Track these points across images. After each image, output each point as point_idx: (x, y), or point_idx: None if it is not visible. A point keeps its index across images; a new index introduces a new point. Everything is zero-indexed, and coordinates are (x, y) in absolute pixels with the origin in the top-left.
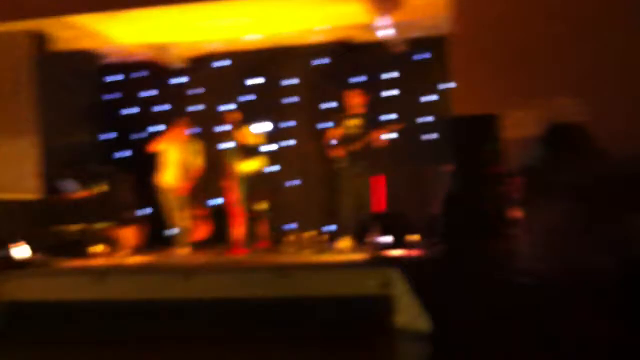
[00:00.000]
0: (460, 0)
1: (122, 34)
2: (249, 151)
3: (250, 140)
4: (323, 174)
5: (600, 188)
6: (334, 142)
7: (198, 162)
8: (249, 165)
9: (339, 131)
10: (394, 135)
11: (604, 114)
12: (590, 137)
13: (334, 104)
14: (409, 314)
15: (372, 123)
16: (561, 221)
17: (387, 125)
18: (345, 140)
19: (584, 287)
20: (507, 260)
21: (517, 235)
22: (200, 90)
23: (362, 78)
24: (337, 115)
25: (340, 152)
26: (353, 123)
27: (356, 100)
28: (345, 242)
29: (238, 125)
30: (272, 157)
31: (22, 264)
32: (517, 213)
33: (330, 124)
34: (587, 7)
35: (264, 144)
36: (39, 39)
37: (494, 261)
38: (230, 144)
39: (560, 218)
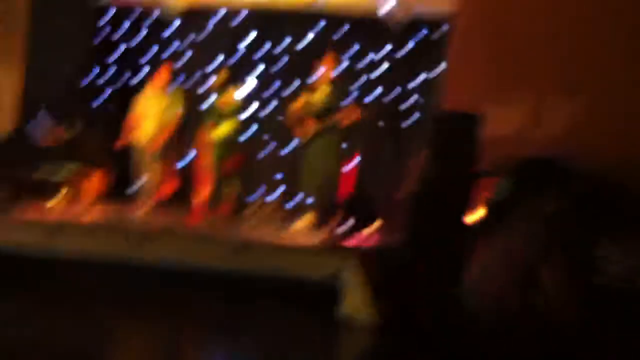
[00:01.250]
0: None
1: None
2: (226, 115)
3: (229, 104)
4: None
5: (566, 216)
6: (297, 114)
7: (176, 112)
8: (222, 130)
9: (301, 102)
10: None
11: (595, 116)
12: (569, 170)
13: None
14: (357, 303)
15: (345, 96)
16: (523, 244)
17: (361, 106)
18: (310, 113)
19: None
20: (460, 271)
21: (475, 253)
22: (190, 44)
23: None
24: (304, 85)
25: (304, 126)
26: (320, 94)
27: (327, 67)
28: (304, 222)
29: (222, 86)
30: (248, 123)
31: None
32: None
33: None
34: (587, 6)
35: (241, 109)
36: None
37: (450, 266)
38: (209, 106)
39: (522, 243)
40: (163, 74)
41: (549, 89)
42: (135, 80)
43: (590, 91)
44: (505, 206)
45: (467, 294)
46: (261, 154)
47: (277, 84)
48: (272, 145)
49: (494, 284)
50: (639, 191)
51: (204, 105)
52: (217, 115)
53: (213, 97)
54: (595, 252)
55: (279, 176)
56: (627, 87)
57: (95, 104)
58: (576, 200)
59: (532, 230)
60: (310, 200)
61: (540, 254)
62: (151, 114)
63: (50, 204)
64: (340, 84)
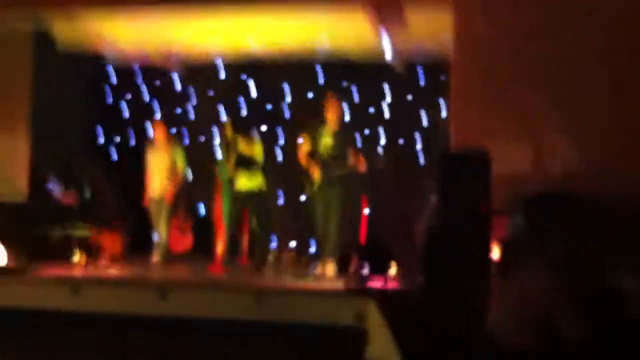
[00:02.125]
0: (460, 34)
1: (124, 36)
2: (245, 165)
3: (254, 157)
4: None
5: (584, 256)
6: (303, 160)
7: (180, 166)
8: (246, 183)
9: (307, 146)
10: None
11: (598, 154)
12: (576, 207)
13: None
14: (382, 348)
15: (350, 143)
16: (537, 293)
17: (369, 156)
18: (316, 158)
19: None
20: (480, 315)
21: (493, 296)
22: (197, 96)
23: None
24: (310, 128)
25: (312, 172)
26: (326, 141)
27: (331, 111)
28: (324, 268)
29: (233, 137)
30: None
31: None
32: (495, 278)
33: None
34: (587, 45)
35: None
36: (43, 39)
37: (469, 310)
38: (223, 156)
39: (536, 290)
40: (159, 131)
41: (549, 129)
42: (141, 138)
43: (589, 130)
44: (519, 246)
45: (485, 342)
46: (278, 203)
47: (283, 133)
48: (287, 193)
49: (509, 334)
50: None
51: (219, 155)
52: (236, 165)
53: (227, 146)
54: (615, 288)
55: (295, 225)
56: (625, 126)
57: (103, 165)
58: (588, 237)
59: (545, 277)
60: (321, 247)
61: (556, 300)
62: (157, 170)
63: (70, 262)
64: (345, 131)
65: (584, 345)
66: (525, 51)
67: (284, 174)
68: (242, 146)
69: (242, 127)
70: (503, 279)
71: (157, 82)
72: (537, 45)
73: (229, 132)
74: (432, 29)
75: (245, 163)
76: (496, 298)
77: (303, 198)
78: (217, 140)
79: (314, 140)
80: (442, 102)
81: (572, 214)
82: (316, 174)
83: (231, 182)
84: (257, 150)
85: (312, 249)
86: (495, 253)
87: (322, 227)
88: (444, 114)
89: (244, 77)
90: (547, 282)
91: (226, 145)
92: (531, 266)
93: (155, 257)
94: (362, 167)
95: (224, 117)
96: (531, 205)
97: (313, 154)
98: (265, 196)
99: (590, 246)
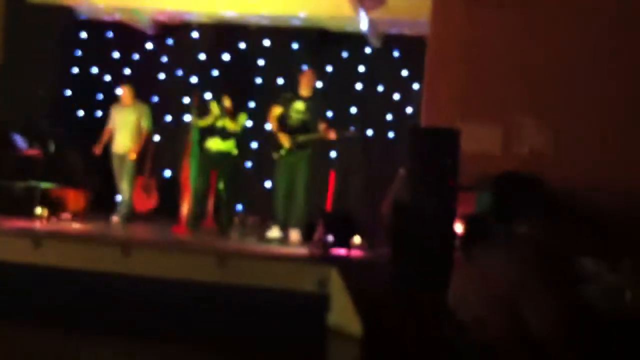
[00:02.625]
0: (437, 15)
1: None
2: (214, 130)
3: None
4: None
5: (548, 237)
6: (273, 124)
7: (145, 125)
8: (218, 144)
9: (277, 111)
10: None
11: (567, 141)
12: (544, 189)
13: None
14: (343, 315)
15: (321, 113)
16: (501, 272)
17: (340, 129)
18: (285, 124)
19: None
20: (443, 287)
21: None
22: (167, 58)
23: (329, 68)
24: (283, 93)
25: (281, 137)
26: (297, 107)
27: (305, 81)
28: (273, 232)
29: (202, 102)
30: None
31: None
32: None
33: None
34: (557, 32)
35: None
36: None
37: (433, 282)
38: (193, 121)
39: (500, 269)
40: (126, 89)
41: (518, 113)
42: (109, 95)
43: (558, 116)
44: (484, 223)
45: (447, 318)
46: (247, 165)
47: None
48: (256, 158)
49: (471, 311)
50: (607, 213)
51: (188, 118)
52: (206, 130)
53: (196, 110)
54: (577, 273)
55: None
56: (593, 113)
57: (70, 121)
58: (551, 220)
59: (509, 256)
60: (275, 212)
61: (519, 281)
62: (122, 127)
63: (33, 215)
64: (317, 100)
65: (553, 336)
66: (500, 36)
67: (255, 139)
68: (219, 116)
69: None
70: (466, 255)
71: (128, 40)
72: (511, 31)
73: (198, 99)
74: (410, 8)
75: (220, 130)
76: (458, 273)
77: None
78: (187, 102)
79: (285, 106)
80: (415, 80)
81: (540, 194)
82: (284, 139)
83: (200, 144)
84: (241, 120)
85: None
86: (459, 228)
87: (282, 192)
88: (416, 86)
89: (216, 39)
90: (511, 265)
91: (197, 109)
92: (496, 244)
93: (115, 217)
94: (331, 135)
95: (195, 80)
96: (499, 183)
97: (283, 119)
98: (235, 159)
99: (557, 228)
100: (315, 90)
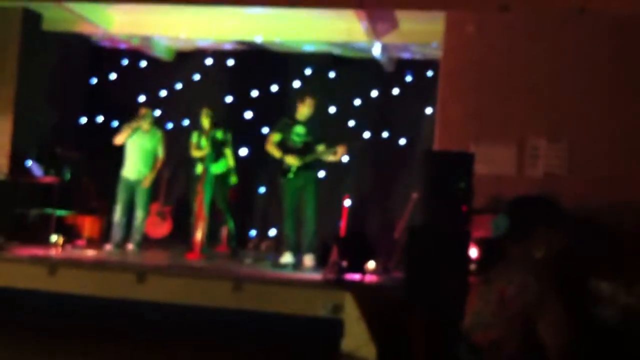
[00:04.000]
0: (449, 39)
1: (115, 22)
2: (220, 153)
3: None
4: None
5: (564, 258)
6: (273, 150)
7: (159, 152)
8: (217, 167)
9: (276, 137)
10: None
11: (580, 160)
12: (560, 210)
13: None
14: (357, 340)
15: (321, 134)
16: (517, 293)
17: (347, 143)
18: (287, 148)
19: None
20: (458, 311)
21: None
22: (183, 85)
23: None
24: (281, 120)
25: (287, 159)
26: (297, 130)
27: (305, 109)
28: (286, 258)
29: (212, 127)
30: (244, 162)
31: None
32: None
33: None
34: (566, 54)
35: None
36: (33, 18)
37: (448, 306)
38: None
39: (517, 290)
40: (141, 114)
41: (532, 133)
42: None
43: (571, 134)
44: (500, 246)
45: (462, 341)
46: (260, 191)
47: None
48: (268, 182)
49: (487, 333)
50: (622, 233)
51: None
52: (212, 153)
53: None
54: (590, 295)
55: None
56: (607, 129)
57: (85, 147)
58: (568, 242)
59: (526, 278)
60: (285, 237)
61: (535, 304)
62: (138, 153)
63: (48, 243)
64: (316, 123)
65: (568, 357)
66: (512, 58)
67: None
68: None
69: (222, 116)
70: (483, 277)
71: (142, 65)
72: (523, 52)
73: (207, 120)
74: (422, 32)
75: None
76: (474, 296)
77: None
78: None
79: (285, 132)
80: (428, 104)
81: (556, 216)
82: (292, 159)
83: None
84: (228, 138)
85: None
86: (474, 252)
87: (290, 215)
88: (429, 111)
89: (230, 65)
90: (528, 287)
91: (205, 133)
92: (513, 266)
93: (130, 245)
94: (340, 152)
95: (206, 104)
96: (515, 205)
97: (283, 144)
98: (228, 178)
99: (573, 250)
100: (317, 115)
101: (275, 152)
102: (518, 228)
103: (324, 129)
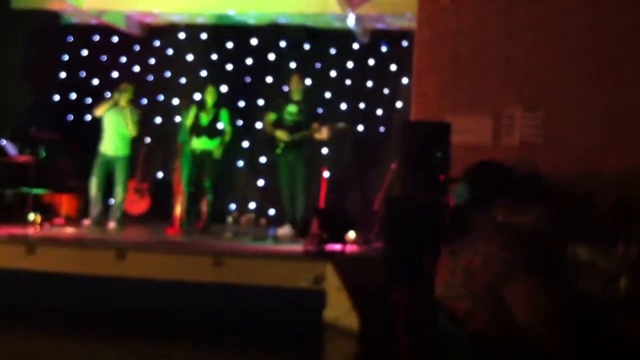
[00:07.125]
0: (423, 10)
1: None
2: (201, 129)
3: (203, 119)
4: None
5: (539, 224)
6: (269, 129)
7: (134, 130)
8: (198, 144)
9: (271, 117)
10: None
11: (556, 129)
12: (522, 179)
13: (285, 89)
14: (339, 309)
15: (312, 113)
16: (482, 265)
17: (331, 123)
18: (281, 126)
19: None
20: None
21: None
22: (156, 60)
23: (318, 65)
24: (275, 100)
25: (277, 134)
26: (290, 110)
27: (293, 86)
28: (283, 230)
29: (190, 103)
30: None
31: None
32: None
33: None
34: (542, 24)
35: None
36: None
37: (426, 276)
38: (182, 122)
39: (482, 262)
40: (120, 90)
41: (507, 104)
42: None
43: (546, 106)
44: (464, 214)
45: (440, 310)
46: (239, 165)
47: (247, 97)
48: (247, 157)
49: (459, 305)
50: (597, 201)
51: (177, 119)
52: (191, 128)
53: (185, 111)
54: (568, 263)
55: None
56: (582, 97)
57: (59, 125)
58: (539, 209)
59: (490, 248)
60: (283, 210)
61: (501, 273)
62: (115, 129)
63: (26, 222)
64: (308, 102)
65: (534, 324)
66: (487, 29)
67: (245, 137)
68: (203, 114)
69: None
70: (448, 248)
71: (114, 41)
72: (498, 21)
73: (211, 97)
74: (396, 3)
75: (206, 130)
76: (442, 267)
77: (263, 160)
78: (176, 103)
79: (278, 111)
80: (403, 75)
81: (517, 182)
82: (282, 134)
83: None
84: (223, 118)
85: (272, 212)
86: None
87: (286, 190)
88: (405, 81)
89: (204, 39)
90: (493, 256)
91: (186, 110)
92: (477, 237)
93: (112, 223)
94: (324, 134)
95: (183, 80)
96: (473, 173)
97: (277, 123)
98: (216, 157)
99: (548, 214)
100: (305, 93)
101: (270, 131)
102: (478, 196)
103: (315, 108)
